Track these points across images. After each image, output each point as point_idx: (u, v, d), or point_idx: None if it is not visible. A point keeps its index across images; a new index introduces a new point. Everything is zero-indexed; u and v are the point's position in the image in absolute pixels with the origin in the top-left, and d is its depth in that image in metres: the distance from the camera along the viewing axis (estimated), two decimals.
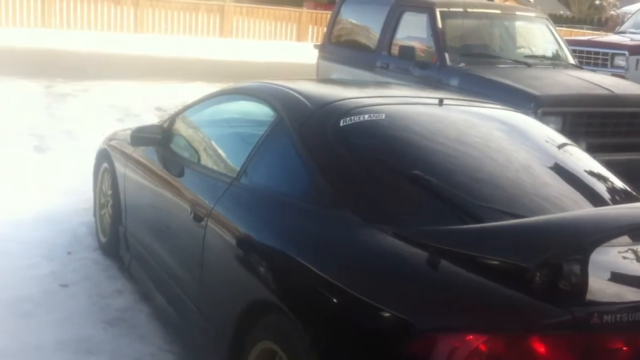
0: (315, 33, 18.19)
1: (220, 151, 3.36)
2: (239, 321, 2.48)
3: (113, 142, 4.37)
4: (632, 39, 9.18)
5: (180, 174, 3.31)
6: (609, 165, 2.97)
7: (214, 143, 3.47)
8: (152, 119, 7.45)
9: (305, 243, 2.34)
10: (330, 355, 2.02)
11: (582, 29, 22.03)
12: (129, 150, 3.96)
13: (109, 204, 4.26)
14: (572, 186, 2.63)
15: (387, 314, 1.89)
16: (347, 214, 2.27)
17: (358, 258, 2.13)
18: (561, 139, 3.07)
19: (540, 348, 1.70)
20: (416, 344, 1.79)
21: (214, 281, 2.78)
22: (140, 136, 3.66)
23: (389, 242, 2.10)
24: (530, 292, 1.78)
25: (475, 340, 1.71)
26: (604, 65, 8.74)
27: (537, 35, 7.01)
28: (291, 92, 3.00)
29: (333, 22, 8.20)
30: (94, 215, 4.58)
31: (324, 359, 2.02)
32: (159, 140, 3.64)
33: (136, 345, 3.23)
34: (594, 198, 2.58)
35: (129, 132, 3.86)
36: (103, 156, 4.45)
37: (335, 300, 2.06)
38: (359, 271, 2.09)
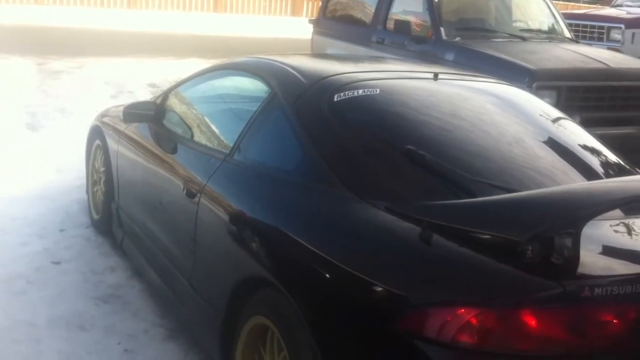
0: (311, 8, 17.98)
1: (213, 127, 3.34)
2: (231, 297, 2.48)
3: (105, 119, 4.34)
4: (628, 12, 9.13)
5: (173, 151, 3.29)
6: (603, 139, 2.96)
7: (207, 119, 3.45)
8: (145, 95, 7.40)
9: (298, 218, 2.33)
10: (323, 330, 2.02)
11: (579, 2, 21.88)
12: (122, 126, 3.93)
13: (102, 181, 4.24)
14: (566, 160, 2.62)
15: (380, 289, 1.89)
16: (341, 189, 2.26)
17: (351, 233, 2.13)
18: (556, 113, 3.06)
19: (532, 321, 1.70)
20: (408, 317, 1.79)
21: (206, 257, 2.78)
22: (133, 112, 3.64)
23: (382, 217, 2.09)
24: (522, 266, 1.78)
25: (466, 314, 1.71)
26: (600, 39, 8.70)
27: (533, 9, 6.96)
28: (285, 67, 2.97)
29: None
30: (87, 192, 4.56)
31: (317, 334, 2.02)
32: (152, 117, 3.62)
33: (129, 321, 3.24)
34: (588, 172, 2.57)
35: (121, 108, 3.83)
36: (95, 133, 4.43)
37: (328, 275, 2.05)
38: (352, 246, 2.08)
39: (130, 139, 3.77)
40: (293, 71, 2.90)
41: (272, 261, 2.30)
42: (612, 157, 2.78)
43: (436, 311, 1.76)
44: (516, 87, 3.28)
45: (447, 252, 1.90)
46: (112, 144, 4.03)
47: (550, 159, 2.59)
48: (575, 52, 5.87)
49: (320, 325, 2.03)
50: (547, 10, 6.89)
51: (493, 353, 1.71)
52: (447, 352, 1.73)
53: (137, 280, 3.64)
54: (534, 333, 1.70)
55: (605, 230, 2.07)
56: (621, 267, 1.92)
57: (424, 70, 3.30)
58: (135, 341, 3.09)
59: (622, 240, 2.11)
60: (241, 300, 2.44)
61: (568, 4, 18.97)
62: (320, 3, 8.83)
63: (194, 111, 3.60)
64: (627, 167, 2.75)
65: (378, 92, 2.70)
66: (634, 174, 2.68)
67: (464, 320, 1.71)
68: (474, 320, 1.71)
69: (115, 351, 3.00)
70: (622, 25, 8.63)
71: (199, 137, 3.28)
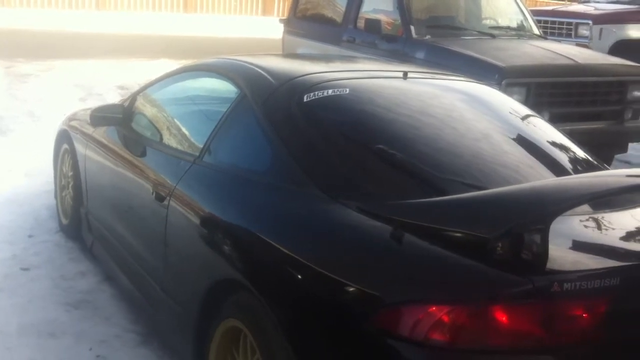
0: (282, 7, 17.93)
1: (182, 129, 3.31)
2: (204, 300, 2.46)
3: (73, 123, 4.28)
4: (595, 9, 9.23)
5: (142, 154, 3.26)
6: (572, 134, 2.99)
7: (176, 121, 3.42)
8: (115, 97, 7.32)
9: (269, 220, 2.32)
10: (296, 332, 2.01)
11: None
12: (89, 130, 3.88)
13: (70, 186, 4.19)
14: (535, 157, 2.64)
15: (352, 289, 1.89)
16: (312, 189, 2.26)
17: (323, 234, 2.13)
18: (524, 110, 3.09)
19: (502, 317, 1.71)
20: (381, 316, 1.80)
21: (178, 260, 2.75)
22: (101, 116, 3.59)
23: (354, 217, 2.09)
24: (492, 262, 1.79)
25: (438, 312, 1.72)
26: (568, 35, 8.79)
27: (502, 6, 7.01)
28: (254, 67, 2.96)
29: None
30: (55, 197, 4.50)
31: (290, 336, 2.01)
32: (120, 120, 3.57)
33: (101, 326, 3.20)
34: (556, 168, 2.60)
35: (89, 111, 3.78)
36: (63, 137, 4.36)
37: (300, 276, 2.05)
38: (324, 247, 2.08)
39: (98, 143, 3.72)
40: (262, 72, 2.88)
41: (243, 263, 2.28)
42: (580, 153, 2.81)
43: (408, 310, 1.76)
44: (485, 84, 3.30)
45: (418, 251, 1.91)
46: (80, 148, 3.98)
47: (519, 155, 2.61)
48: (543, 48, 5.93)
49: (293, 326, 2.02)
50: (516, 8, 6.95)
51: (466, 350, 1.72)
52: (420, 350, 1.73)
53: (108, 285, 3.60)
54: (505, 329, 1.72)
55: (574, 225, 2.09)
56: (590, 262, 1.93)
57: (393, 69, 3.31)
58: (108, 347, 3.04)
59: (591, 235, 2.14)
60: (213, 303, 2.42)
61: (537, 1, 19.16)
62: (291, 2, 8.80)
63: (163, 113, 3.57)
64: (595, 162, 2.78)
65: (347, 91, 2.70)
66: (602, 170, 2.71)
67: (436, 318, 1.72)
68: (445, 318, 1.71)
69: (87, 357, 2.96)
70: (590, 22, 8.72)
71: (167, 140, 3.25)
